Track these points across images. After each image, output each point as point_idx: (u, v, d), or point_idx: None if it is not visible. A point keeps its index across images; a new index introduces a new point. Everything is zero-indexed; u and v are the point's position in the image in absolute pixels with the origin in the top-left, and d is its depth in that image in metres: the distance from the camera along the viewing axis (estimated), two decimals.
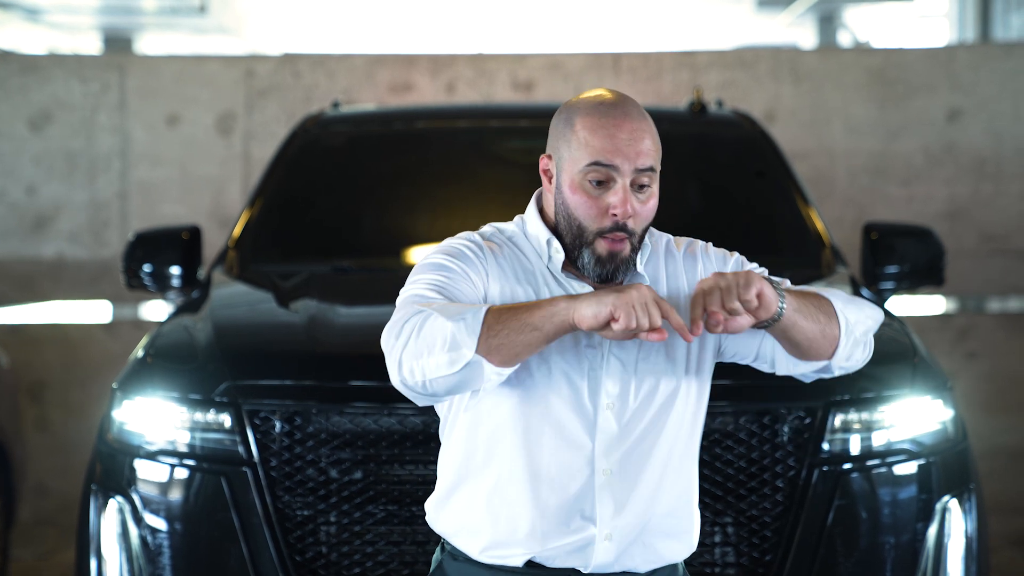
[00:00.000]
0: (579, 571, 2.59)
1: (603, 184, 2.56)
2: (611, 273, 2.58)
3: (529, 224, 2.67)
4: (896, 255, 4.99)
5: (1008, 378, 7.75)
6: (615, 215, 2.55)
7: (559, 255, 2.61)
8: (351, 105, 6.77)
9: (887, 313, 4.46)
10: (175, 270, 5.02)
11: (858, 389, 3.89)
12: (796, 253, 5.09)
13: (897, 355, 4.10)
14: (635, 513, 2.58)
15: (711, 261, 2.70)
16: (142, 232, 5.21)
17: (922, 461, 3.89)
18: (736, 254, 2.72)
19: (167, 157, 9.31)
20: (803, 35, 20.84)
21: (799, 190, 5.31)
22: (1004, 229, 9.31)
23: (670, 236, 2.75)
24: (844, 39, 20.11)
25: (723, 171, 5.59)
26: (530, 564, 2.59)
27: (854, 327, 2.62)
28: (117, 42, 20.02)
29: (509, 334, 2.40)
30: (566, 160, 2.59)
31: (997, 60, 9.46)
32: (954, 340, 7.82)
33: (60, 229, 9.24)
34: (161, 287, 5.07)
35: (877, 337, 4.15)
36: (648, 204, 2.59)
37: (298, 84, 9.34)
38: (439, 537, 2.72)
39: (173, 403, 3.92)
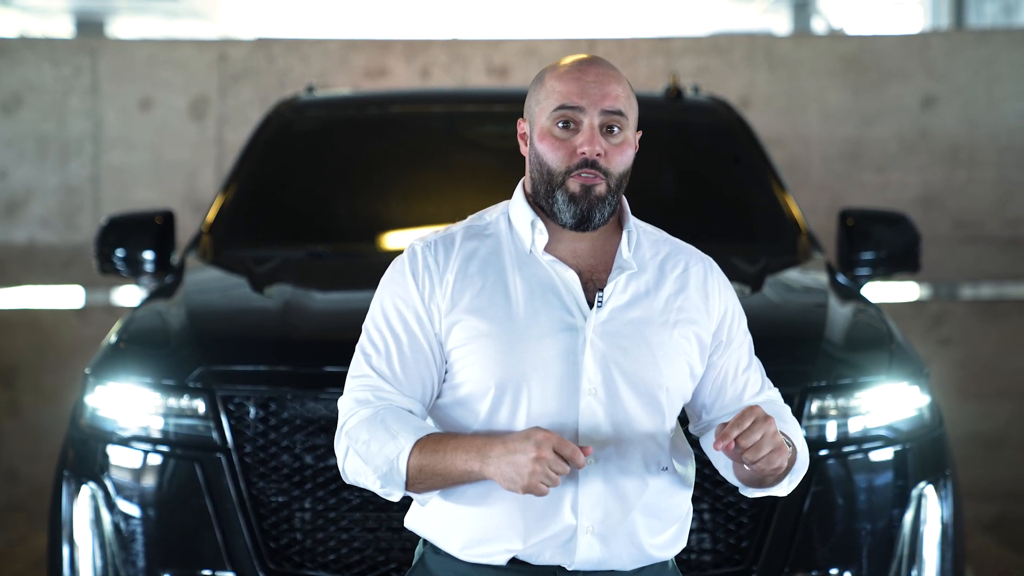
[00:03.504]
0: (564, 568, 2.54)
1: (571, 128, 2.55)
2: (586, 212, 2.54)
3: (513, 208, 2.63)
4: (872, 241, 4.99)
5: (981, 365, 7.78)
6: (583, 152, 2.53)
7: (542, 236, 2.57)
8: (325, 90, 6.74)
9: (864, 300, 4.47)
10: (148, 255, 4.99)
11: (835, 375, 3.88)
12: (772, 239, 5.09)
13: (874, 341, 4.10)
14: (619, 506, 2.53)
15: (725, 296, 2.68)
16: (115, 216, 5.17)
17: (898, 447, 3.89)
18: (738, 308, 2.71)
19: (140, 141, 9.26)
20: (778, 21, 20.86)
21: (775, 176, 5.31)
22: (977, 216, 9.35)
23: (679, 240, 2.71)
24: (818, 26, 20.14)
25: (699, 157, 5.58)
26: (514, 561, 2.54)
27: (792, 482, 2.67)
28: (89, 26, 19.90)
29: (432, 483, 2.50)
30: (536, 113, 2.59)
31: (971, 47, 9.48)
32: (928, 327, 7.85)
33: (31, 213, 9.18)
34: (134, 272, 5.03)
35: (854, 324, 4.17)
36: (622, 149, 2.56)
37: (272, 68, 9.29)
38: None
39: (146, 389, 3.90)
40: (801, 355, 3.94)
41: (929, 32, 11.13)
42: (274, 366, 3.94)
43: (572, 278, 2.56)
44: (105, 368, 4.00)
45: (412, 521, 2.65)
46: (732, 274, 4.52)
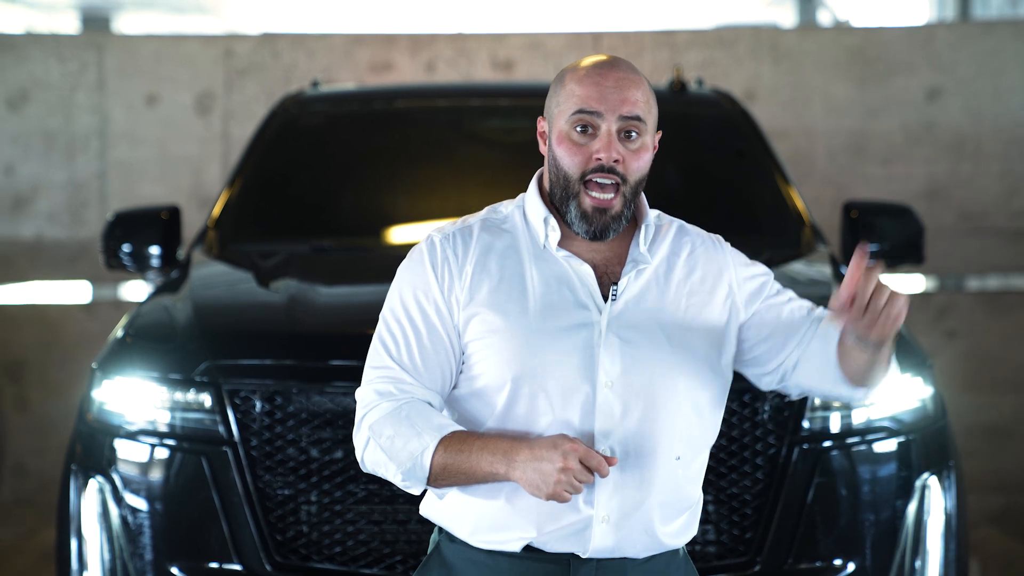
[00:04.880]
0: (578, 556, 2.55)
1: (589, 133, 2.55)
2: (600, 230, 2.56)
3: (528, 203, 2.65)
4: (876, 233, 4.99)
5: (986, 357, 7.78)
6: (599, 159, 2.54)
7: (555, 233, 2.59)
8: (330, 84, 6.75)
9: None
10: (154, 250, 5.00)
11: None
12: (776, 232, 5.09)
13: None
14: (634, 497, 2.54)
15: (738, 264, 2.68)
16: (121, 212, 5.19)
17: (902, 438, 3.90)
18: (756, 266, 2.71)
19: (146, 137, 9.28)
20: (783, 14, 20.84)
21: (779, 169, 5.31)
22: (983, 208, 9.35)
23: (683, 222, 2.72)
24: (824, 18, 20.12)
25: (703, 150, 5.58)
26: (528, 549, 2.56)
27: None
28: (95, 21, 19.92)
29: (455, 481, 2.52)
30: (555, 115, 2.60)
31: (976, 39, 9.47)
32: (933, 319, 7.85)
33: (39, 209, 9.21)
34: (140, 267, 5.05)
35: None
36: (640, 155, 2.57)
37: (277, 64, 9.31)
38: (423, 517, 2.69)
39: (153, 383, 3.91)
40: None
41: (935, 24, 11.14)
42: (280, 360, 3.95)
43: (587, 272, 2.58)
44: (112, 362, 4.02)
45: (427, 509, 2.66)
46: None
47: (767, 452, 3.81)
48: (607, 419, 2.53)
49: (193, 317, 4.12)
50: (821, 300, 4.21)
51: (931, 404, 3.98)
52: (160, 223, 5.04)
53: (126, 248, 5.04)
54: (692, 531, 2.66)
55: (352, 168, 5.45)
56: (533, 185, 2.66)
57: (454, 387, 2.61)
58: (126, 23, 20.79)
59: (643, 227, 2.62)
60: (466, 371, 2.59)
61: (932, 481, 3.91)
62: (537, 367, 2.52)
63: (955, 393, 7.02)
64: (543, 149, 2.64)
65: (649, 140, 2.59)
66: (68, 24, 20.44)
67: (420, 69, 9.37)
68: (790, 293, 2.71)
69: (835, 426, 3.85)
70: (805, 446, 3.82)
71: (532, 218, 2.63)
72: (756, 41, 9.48)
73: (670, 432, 2.57)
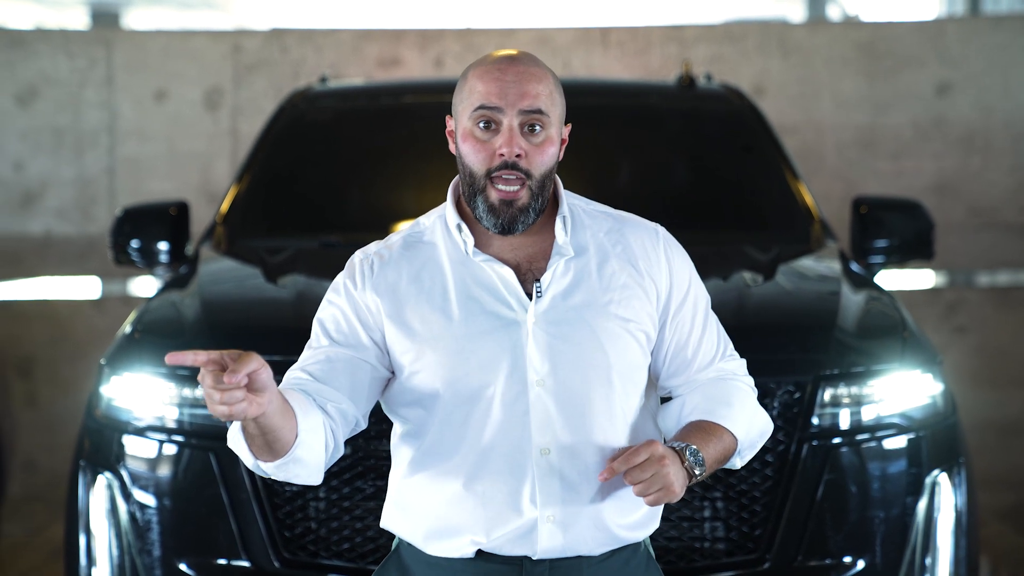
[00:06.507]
0: (530, 558, 2.55)
1: (491, 128, 2.54)
2: (507, 223, 2.54)
3: (447, 212, 2.64)
4: (885, 229, 4.98)
5: (997, 352, 7.77)
6: (502, 154, 2.53)
7: (469, 239, 2.58)
8: (339, 80, 6.74)
9: (877, 288, 4.46)
10: (163, 246, 5.00)
11: (847, 363, 3.88)
12: (785, 227, 5.08)
13: (887, 329, 4.09)
14: (579, 492, 2.53)
15: (673, 262, 2.66)
16: (130, 208, 5.19)
17: (912, 435, 3.88)
18: (689, 275, 2.68)
19: (155, 133, 9.29)
20: (792, 9, 20.81)
21: (788, 164, 5.30)
22: (993, 203, 9.32)
23: (624, 212, 2.71)
24: (833, 13, 20.09)
25: (712, 145, 5.57)
26: (480, 553, 2.55)
27: (745, 457, 2.68)
28: (104, 17, 19.94)
29: (256, 439, 2.44)
30: (459, 112, 2.59)
31: (986, 34, 9.45)
32: (943, 314, 7.84)
33: (48, 205, 9.22)
34: (149, 263, 5.05)
35: (867, 312, 4.16)
36: (544, 148, 2.55)
37: (286, 59, 9.31)
38: None
39: (161, 379, 3.91)
40: (814, 343, 3.94)
41: (944, 19, 11.11)
42: (288, 356, 3.90)
43: (508, 274, 2.57)
44: (120, 358, 4.02)
45: (386, 522, 2.67)
46: (745, 262, 4.54)
47: (776, 449, 3.80)
48: (542, 417, 2.52)
49: (201, 313, 4.12)
50: (830, 296, 4.21)
51: (941, 401, 3.97)
52: (168, 219, 5.04)
53: (135, 244, 5.03)
54: (654, 524, 2.65)
55: (360, 163, 5.45)
56: (449, 193, 2.66)
57: (393, 400, 2.62)
58: (135, 19, 20.81)
59: (559, 219, 2.60)
60: (400, 384, 2.60)
61: (942, 478, 3.90)
62: (468, 372, 2.52)
63: (965, 389, 7.00)
64: (452, 148, 2.63)
65: (555, 133, 2.57)
66: (77, 20, 20.46)
67: (428, 64, 9.37)
68: (713, 329, 2.70)
69: (845, 423, 3.84)
70: (815, 443, 3.81)
71: (450, 227, 2.62)
72: (765, 36, 9.46)
73: (608, 425, 2.55)
